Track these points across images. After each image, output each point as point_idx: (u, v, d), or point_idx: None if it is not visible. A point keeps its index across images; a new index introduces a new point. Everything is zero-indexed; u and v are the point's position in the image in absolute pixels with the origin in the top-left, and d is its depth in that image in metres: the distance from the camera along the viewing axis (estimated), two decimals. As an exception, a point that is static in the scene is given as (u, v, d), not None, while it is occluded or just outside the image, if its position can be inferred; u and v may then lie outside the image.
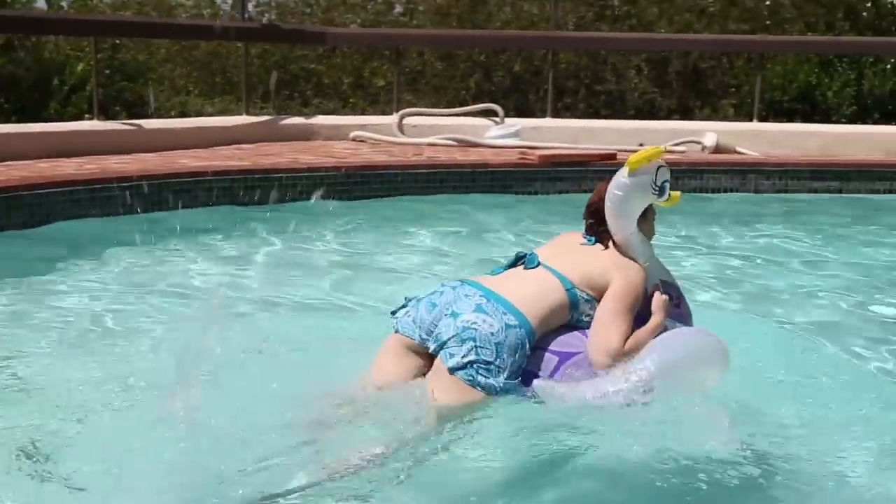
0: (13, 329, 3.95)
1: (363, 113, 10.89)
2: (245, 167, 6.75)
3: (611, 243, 3.13)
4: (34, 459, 2.66)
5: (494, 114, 9.19)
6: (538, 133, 8.73)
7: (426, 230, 6.14)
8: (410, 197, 6.88)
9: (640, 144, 8.48)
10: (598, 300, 3.00)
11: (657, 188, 3.09)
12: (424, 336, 2.94)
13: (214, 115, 10.28)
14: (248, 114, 9.33)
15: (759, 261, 5.65)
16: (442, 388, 2.85)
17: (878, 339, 4.10)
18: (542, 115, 9.99)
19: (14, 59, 9.17)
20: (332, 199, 6.66)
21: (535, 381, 2.86)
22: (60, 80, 9.20)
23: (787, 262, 5.64)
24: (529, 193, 7.26)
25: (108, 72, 9.76)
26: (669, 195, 3.13)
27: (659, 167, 3.10)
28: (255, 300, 4.42)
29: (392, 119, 9.07)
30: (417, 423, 2.77)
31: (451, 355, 2.84)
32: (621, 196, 3.08)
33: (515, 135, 8.59)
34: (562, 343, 2.95)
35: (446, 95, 11.76)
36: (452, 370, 2.83)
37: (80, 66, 9.36)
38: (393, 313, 3.07)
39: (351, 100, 11.84)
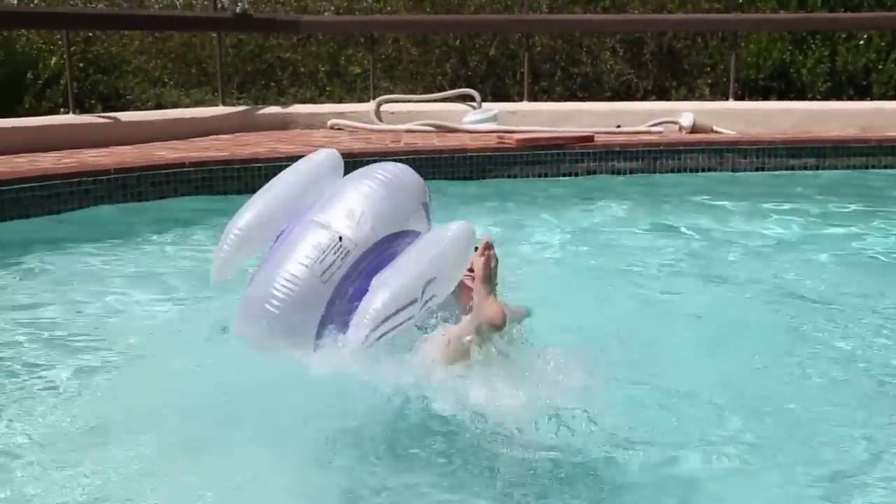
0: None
1: (340, 101, 10.86)
2: (223, 157, 6.72)
3: None
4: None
5: (471, 99, 9.21)
6: (515, 117, 8.76)
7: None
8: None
9: (618, 126, 8.54)
10: None
11: None
12: None
13: (190, 106, 10.23)
14: (224, 104, 9.29)
15: (734, 240, 5.71)
16: None
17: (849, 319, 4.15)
18: (519, 98, 10.01)
19: (-15, 54, 9.09)
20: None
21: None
22: (34, 74, 9.11)
23: (767, 240, 5.71)
24: (508, 177, 7.28)
25: (81, 65, 9.68)
26: None
27: None
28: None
29: (369, 106, 9.06)
30: None
31: None
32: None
33: (493, 119, 8.61)
34: None
35: (422, 81, 11.73)
36: None
37: (53, 60, 9.27)
38: None
39: (327, 88, 11.79)
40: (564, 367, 3.03)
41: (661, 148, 7.63)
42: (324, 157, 3.28)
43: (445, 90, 10.01)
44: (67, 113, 8.20)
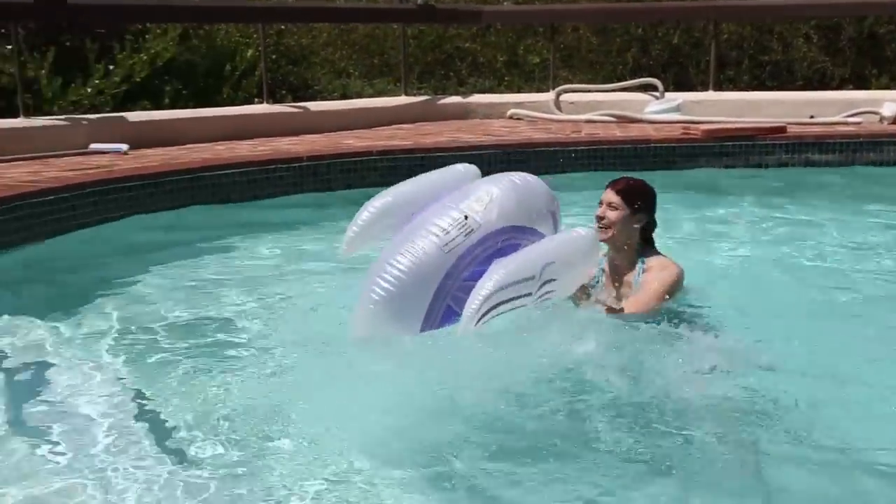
0: (199, 298, 4.19)
1: (518, 90, 10.87)
2: (407, 146, 6.88)
3: None
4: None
5: (654, 88, 8.98)
6: (700, 107, 8.48)
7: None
8: (572, 174, 6.82)
9: (811, 116, 8.11)
10: None
11: None
12: None
13: (373, 96, 10.51)
14: (406, 94, 9.49)
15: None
16: None
17: None
18: (703, 88, 9.68)
19: (190, 47, 9.66)
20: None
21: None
22: (232, 66, 9.63)
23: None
24: (693, 169, 7.06)
25: (274, 57, 10.13)
26: None
27: None
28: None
29: (549, 96, 9.02)
30: None
31: None
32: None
33: (676, 109, 8.37)
34: None
35: (602, 71, 11.56)
36: None
37: (249, 52, 9.77)
38: None
39: (506, 78, 11.83)
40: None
41: (861, 139, 7.18)
42: (465, 168, 3.57)
43: (625, 79, 9.82)
44: (261, 103, 8.63)
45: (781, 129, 7.32)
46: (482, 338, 2.91)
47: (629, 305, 3.29)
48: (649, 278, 3.38)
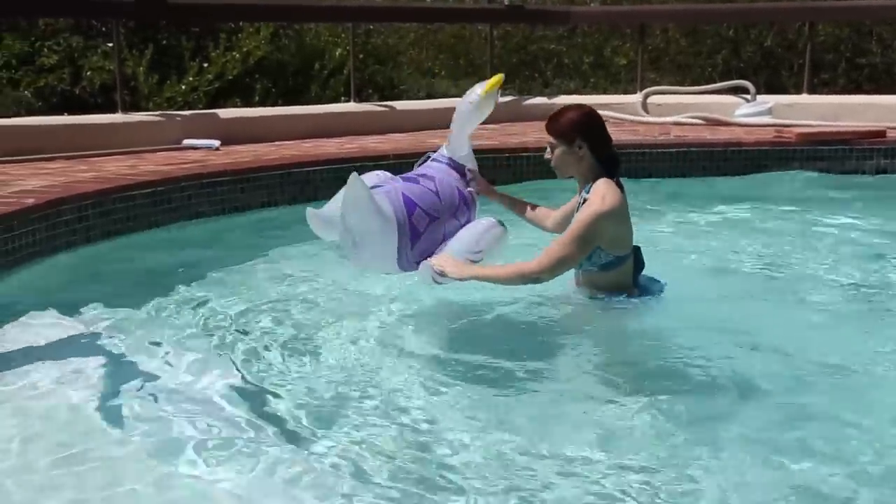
0: (290, 293, 4.25)
1: (604, 92, 10.77)
2: (493, 146, 6.87)
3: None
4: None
5: (745, 91, 8.78)
6: (792, 110, 8.26)
7: (680, 211, 5.98)
8: (660, 178, 6.73)
9: (912, 121, 7.81)
10: None
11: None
12: None
13: (459, 96, 10.53)
14: (492, 95, 9.47)
15: None
16: None
17: None
18: (795, 91, 9.43)
19: (280, 46, 9.85)
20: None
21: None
22: (321, 65, 9.78)
23: None
24: (786, 172, 6.88)
25: (361, 56, 10.26)
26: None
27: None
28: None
29: (636, 98, 8.90)
30: None
31: None
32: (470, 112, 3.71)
33: (768, 112, 8.18)
34: None
35: (690, 73, 11.37)
36: None
37: (338, 52, 9.90)
38: None
39: (592, 79, 11.74)
40: None
41: (967, 146, 6.90)
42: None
43: (715, 82, 9.63)
44: (348, 101, 8.74)
45: (881, 133, 7.08)
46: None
47: (533, 262, 3.27)
48: (576, 219, 3.34)
